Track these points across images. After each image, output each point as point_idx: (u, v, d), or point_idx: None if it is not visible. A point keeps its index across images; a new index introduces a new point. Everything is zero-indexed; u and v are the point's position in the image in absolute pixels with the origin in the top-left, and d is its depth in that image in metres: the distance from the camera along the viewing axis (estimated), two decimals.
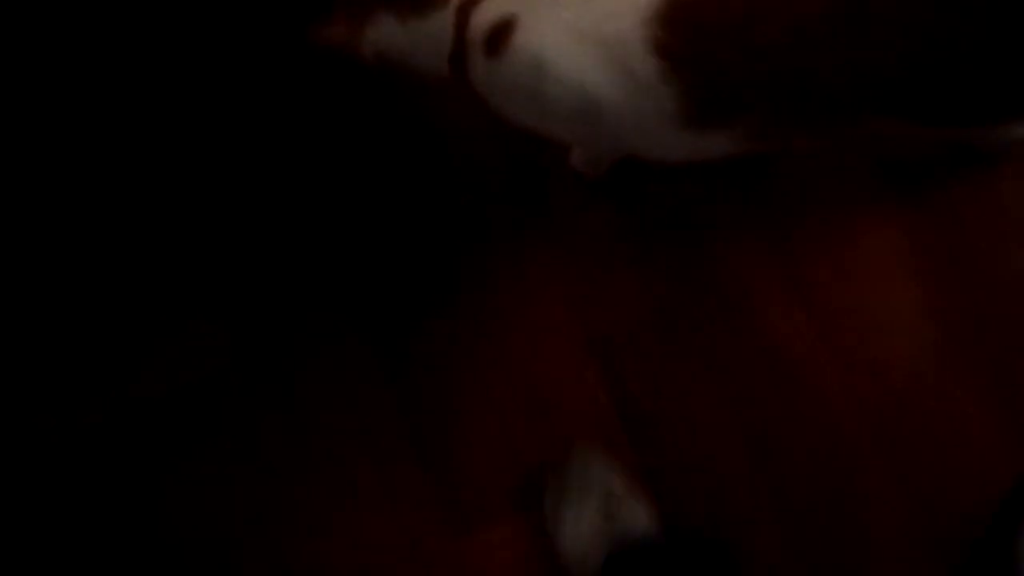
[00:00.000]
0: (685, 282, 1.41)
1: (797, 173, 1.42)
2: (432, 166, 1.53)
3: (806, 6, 0.94)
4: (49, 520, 1.45)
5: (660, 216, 1.44)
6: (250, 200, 1.55)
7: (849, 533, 1.30)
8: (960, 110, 1.02)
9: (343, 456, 1.43)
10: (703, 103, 0.99)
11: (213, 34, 1.58)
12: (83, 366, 1.50)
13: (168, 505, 1.44)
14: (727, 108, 0.99)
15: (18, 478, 1.47)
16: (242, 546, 1.42)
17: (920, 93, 0.98)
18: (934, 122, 1.06)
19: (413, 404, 1.44)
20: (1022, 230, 1.35)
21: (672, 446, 1.36)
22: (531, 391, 1.41)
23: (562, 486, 1.31)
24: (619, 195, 1.46)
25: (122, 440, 1.47)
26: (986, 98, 1.01)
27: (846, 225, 1.39)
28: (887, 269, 1.37)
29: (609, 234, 1.45)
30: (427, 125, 1.54)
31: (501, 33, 1.04)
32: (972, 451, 1.29)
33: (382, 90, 1.54)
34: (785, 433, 1.33)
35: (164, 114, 1.57)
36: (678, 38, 0.97)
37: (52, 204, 1.56)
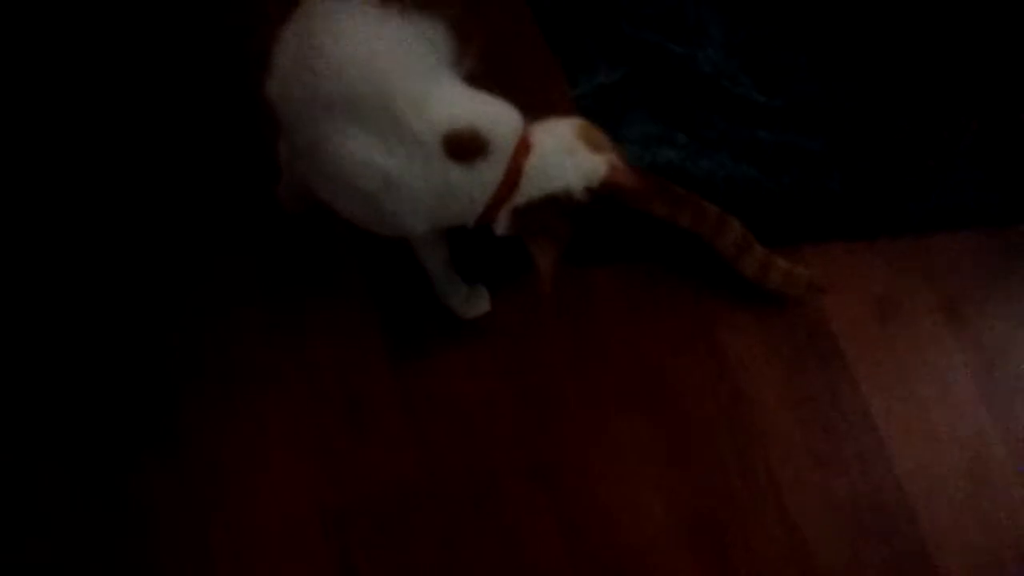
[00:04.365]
0: (436, 461, 1.31)
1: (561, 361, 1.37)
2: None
3: None
4: None
5: (429, 388, 1.35)
6: None
7: None
8: None
9: None
10: None
11: None
12: None
13: None
14: None
15: None
16: None
17: None
18: None
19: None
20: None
21: None
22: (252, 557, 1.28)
23: None
24: (399, 360, 1.35)
25: None
26: None
27: (598, 421, 1.33)
28: (634, 472, 1.31)
29: (371, 397, 1.34)
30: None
31: None
32: None
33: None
34: None
35: None
36: None
37: None
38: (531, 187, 1.15)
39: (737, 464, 1.31)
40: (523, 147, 1.15)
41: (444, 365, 1.36)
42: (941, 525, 1.28)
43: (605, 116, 1.34)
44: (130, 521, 1.30)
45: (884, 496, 1.29)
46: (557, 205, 1.16)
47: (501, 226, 1.18)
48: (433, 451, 1.32)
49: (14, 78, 1.46)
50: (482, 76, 1.17)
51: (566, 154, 1.16)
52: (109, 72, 1.47)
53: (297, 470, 1.32)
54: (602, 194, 1.16)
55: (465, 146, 1.11)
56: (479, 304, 1.36)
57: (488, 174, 1.14)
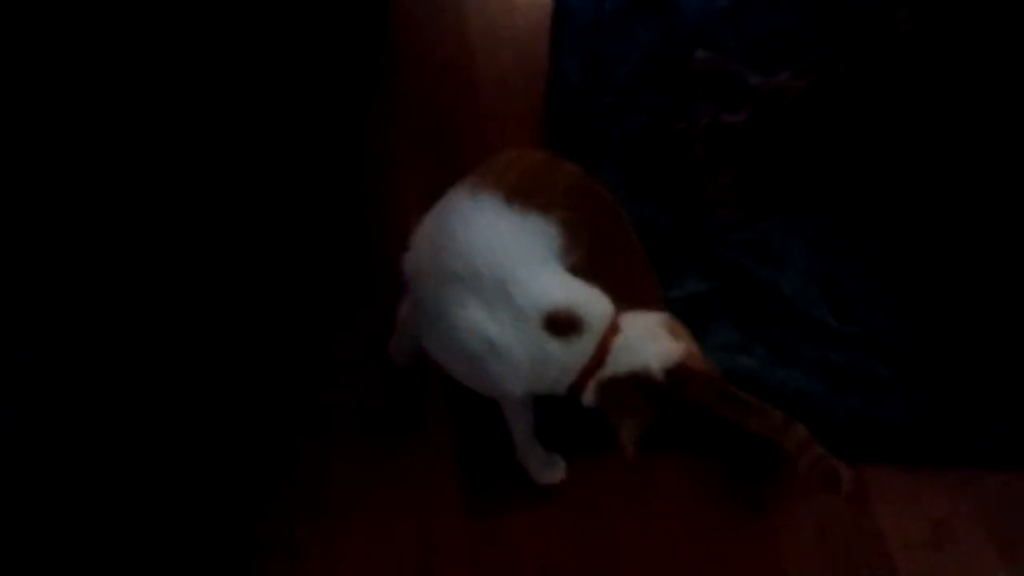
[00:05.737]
0: None
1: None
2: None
3: None
4: None
5: (496, 543, 1.46)
6: None
7: None
8: None
9: None
10: None
11: None
12: None
13: None
14: None
15: None
16: None
17: None
18: None
19: None
20: None
21: None
22: None
23: None
24: (473, 512, 1.48)
25: None
26: None
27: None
28: None
29: (443, 546, 1.46)
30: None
31: None
32: None
33: None
34: None
35: None
36: None
37: None
38: (616, 363, 1.30)
39: None
40: (612, 329, 1.32)
41: (514, 523, 1.47)
42: None
43: (691, 321, 1.49)
44: None
45: None
46: (638, 383, 1.30)
47: (588, 396, 1.32)
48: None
49: None
50: (585, 269, 1.34)
51: (649, 338, 1.33)
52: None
53: None
54: (678, 378, 1.30)
55: (563, 324, 1.28)
56: (555, 471, 1.48)
57: (580, 349, 1.30)
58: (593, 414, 1.35)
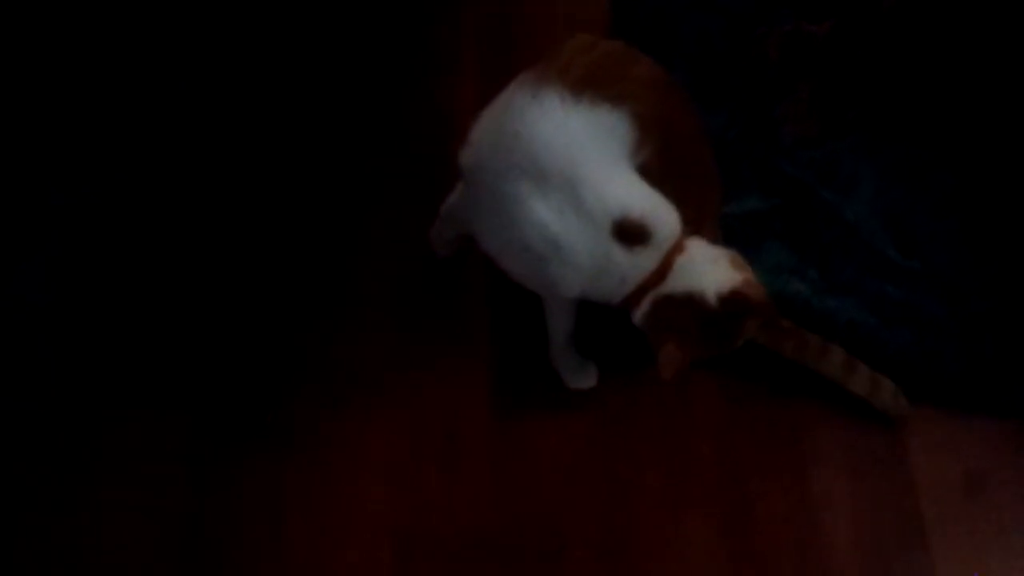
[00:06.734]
0: (512, 511, 1.39)
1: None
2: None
3: None
4: None
5: (521, 440, 1.43)
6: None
7: None
8: None
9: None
10: None
11: None
12: None
13: None
14: None
15: None
16: None
17: None
18: None
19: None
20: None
21: None
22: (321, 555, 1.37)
23: None
24: (500, 408, 1.45)
25: None
26: None
27: (671, 515, 1.39)
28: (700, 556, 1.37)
29: (466, 437, 1.44)
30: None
31: None
32: None
33: None
34: None
35: None
36: None
37: None
38: (675, 281, 1.26)
39: None
40: (678, 247, 1.27)
41: (540, 423, 1.45)
42: None
43: (747, 238, 1.44)
44: (218, 496, 1.41)
45: None
46: (692, 307, 1.26)
47: (640, 312, 1.28)
48: (511, 501, 1.40)
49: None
50: (653, 168, 1.28)
51: (711, 262, 1.28)
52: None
53: (382, 487, 1.42)
54: (732, 305, 1.27)
55: (632, 233, 1.24)
56: (587, 378, 1.45)
57: (644, 261, 1.26)
58: (634, 331, 1.32)
